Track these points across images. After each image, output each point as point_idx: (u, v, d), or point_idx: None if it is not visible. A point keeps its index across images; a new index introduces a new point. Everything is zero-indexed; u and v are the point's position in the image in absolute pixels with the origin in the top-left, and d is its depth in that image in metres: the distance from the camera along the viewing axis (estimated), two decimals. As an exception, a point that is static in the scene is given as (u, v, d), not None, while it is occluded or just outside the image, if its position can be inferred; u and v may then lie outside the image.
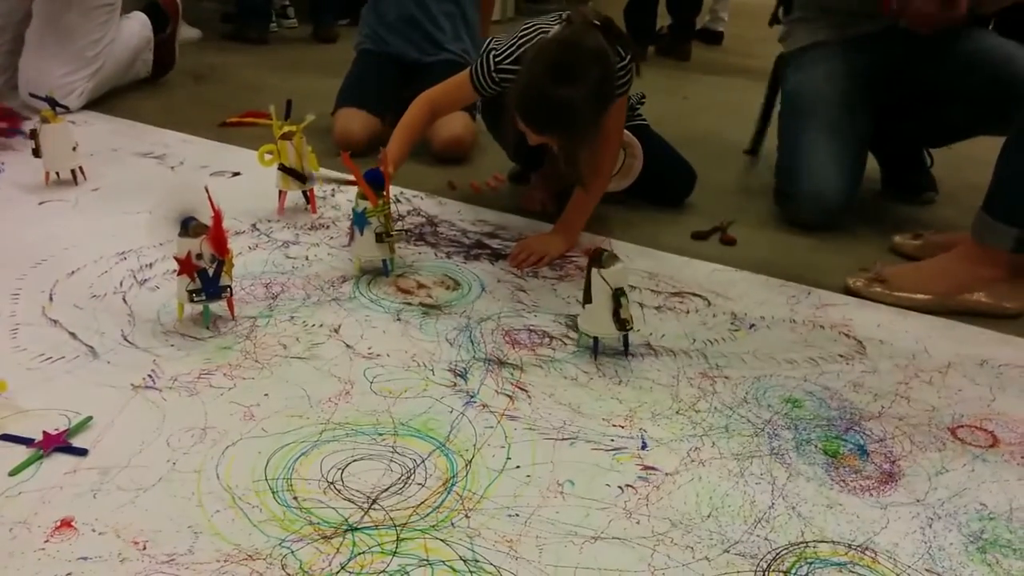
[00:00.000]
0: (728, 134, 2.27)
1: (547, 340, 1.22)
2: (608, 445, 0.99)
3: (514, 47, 1.45)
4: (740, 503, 0.90)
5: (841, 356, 1.21)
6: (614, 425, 1.03)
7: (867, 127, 1.74)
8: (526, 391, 1.09)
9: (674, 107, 2.49)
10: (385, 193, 1.38)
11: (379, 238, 1.37)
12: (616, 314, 1.14)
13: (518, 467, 0.95)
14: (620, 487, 0.92)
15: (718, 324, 1.29)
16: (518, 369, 1.14)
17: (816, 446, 1.00)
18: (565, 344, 1.21)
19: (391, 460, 0.95)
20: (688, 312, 1.32)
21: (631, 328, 1.16)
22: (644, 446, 0.99)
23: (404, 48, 2.14)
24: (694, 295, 1.38)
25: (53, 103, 1.67)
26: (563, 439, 1.00)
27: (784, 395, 1.11)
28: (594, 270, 1.14)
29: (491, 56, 1.46)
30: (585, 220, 1.53)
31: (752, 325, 1.29)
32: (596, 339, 1.18)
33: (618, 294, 1.14)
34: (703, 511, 0.89)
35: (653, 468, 0.95)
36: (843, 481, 0.95)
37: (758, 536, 0.86)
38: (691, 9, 3.41)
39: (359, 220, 1.37)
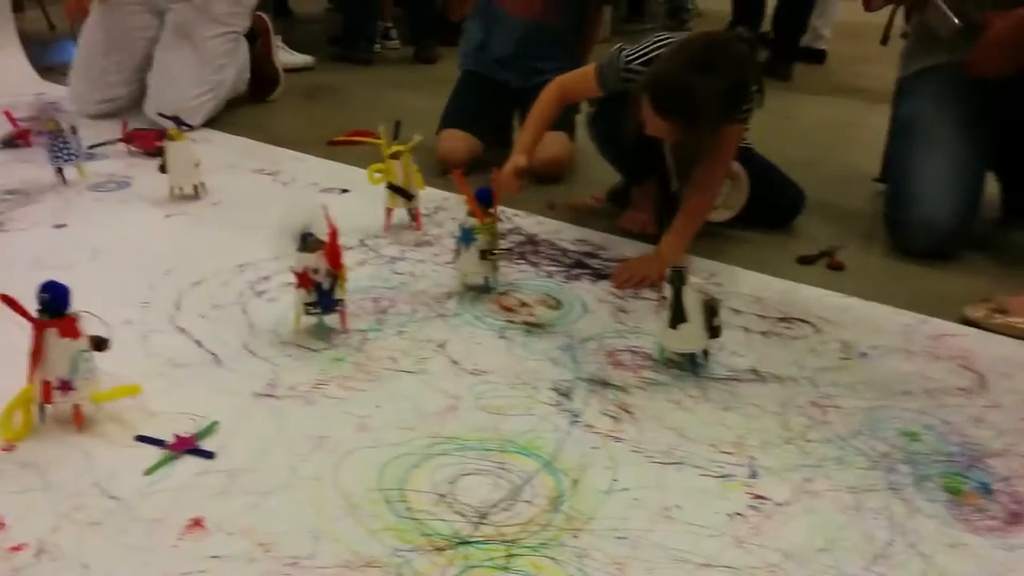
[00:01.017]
0: (834, 156, 2.23)
1: (650, 362, 1.22)
2: (716, 471, 0.98)
3: (646, 51, 1.50)
4: (856, 538, 0.88)
5: (961, 389, 1.17)
6: (722, 451, 1.02)
7: (984, 152, 1.68)
8: (631, 413, 1.10)
9: (777, 128, 2.45)
10: (493, 211, 1.41)
11: (483, 255, 1.40)
12: (710, 323, 1.15)
13: (625, 489, 0.95)
14: (729, 515, 0.91)
15: (828, 352, 1.26)
16: (622, 391, 1.14)
17: (936, 482, 0.97)
18: (668, 367, 1.21)
19: (499, 476, 0.97)
20: (796, 338, 1.30)
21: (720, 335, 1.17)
22: (754, 474, 0.98)
23: (508, 77, 2.16)
24: (802, 321, 1.35)
25: (180, 123, 1.77)
26: (670, 463, 1.00)
27: (901, 428, 1.07)
28: (684, 288, 1.14)
29: (622, 54, 1.53)
30: (688, 242, 1.53)
31: (864, 354, 1.26)
32: (693, 355, 1.18)
33: (712, 302, 1.15)
34: (817, 544, 0.87)
35: (764, 497, 0.94)
36: (966, 520, 0.91)
37: (876, 573, 0.84)
38: (796, 29, 3.34)
39: (465, 237, 1.40)
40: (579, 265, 1.55)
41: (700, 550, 0.86)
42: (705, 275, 1.50)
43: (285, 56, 2.91)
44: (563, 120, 2.08)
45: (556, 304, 1.40)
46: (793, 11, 3.29)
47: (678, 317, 1.15)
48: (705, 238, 1.61)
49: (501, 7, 2.14)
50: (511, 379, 1.17)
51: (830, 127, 2.61)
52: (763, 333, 1.32)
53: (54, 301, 0.95)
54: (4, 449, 0.96)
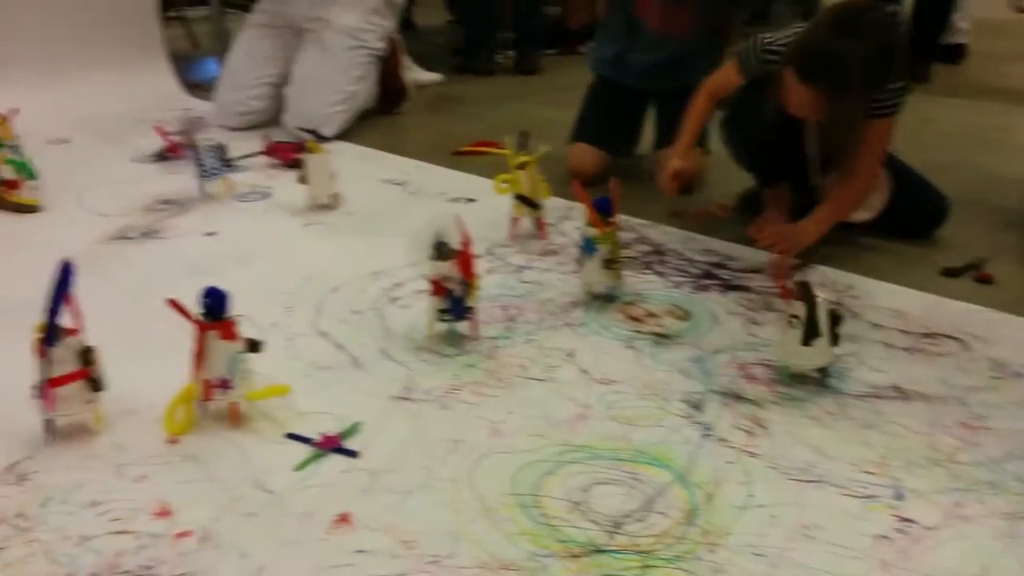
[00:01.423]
0: (979, 161, 2.11)
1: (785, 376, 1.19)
2: (858, 492, 0.95)
3: (785, 36, 1.51)
4: (1015, 567, 0.84)
5: None
6: (864, 471, 0.99)
7: None
8: (765, 428, 1.08)
9: (916, 131, 2.34)
10: (613, 221, 1.41)
11: (606, 264, 1.40)
12: (834, 332, 1.13)
13: (762, 506, 0.93)
14: (874, 537, 0.88)
15: (977, 370, 1.20)
16: (755, 405, 1.12)
17: (1102, 512, 0.91)
18: (806, 381, 1.18)
19: (631, 486, 0.97)
20: (942, 355, 1.24)
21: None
22: (899, 496, 0.94)
23: (646, 85, 2.15)
24: (948, 337, 1.29)
25: (318, 136, 1.86)
26: (808, 481, 0.97)
27: (1060, 453, 1.01)
28: (818, 301, 1.11)
29: (761, 39, 1.56)
30: (828, 228, 1.52)
31: (1017, 373, 1.19)
32: (825, 369, 1.15)
33: (837, 311, 1.14)
34: (971, 571, 0.83)
35: (910, 520, 0.90)
36: None
37: (1037, 605, 0.79)
38: (936, 27, 3.17)
39: (587, 247, 1.41)
40: (707, 275, 1.53)
41: (844, 572, 0.84)
42: (842, 287, 1.46)
43: (415, 73, 3.00)
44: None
45: (684, 315, 1.39)
46: (933, 7, 3.13)
47: (812, 333, 1.12)
48: (842, 247, 1.56)
49: (642, 20, 2.12)
50: (640, 389, 1.17)
51: (972, 131, 2.48)
52: (906, 349, 1.26)
53: (215, 306, 1.02)
54: (169, 442, 1.04)
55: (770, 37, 1.55)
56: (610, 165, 2.05)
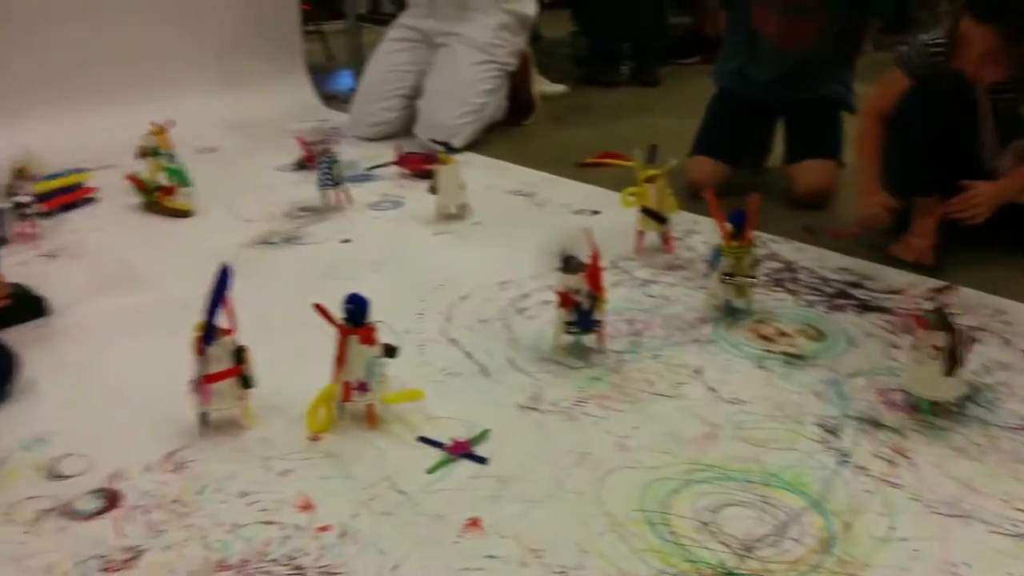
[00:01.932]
0: None
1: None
2: (1009, 530, 0.90)
3: (943, 33, 1.51)
4: None
5: None
6: (1015, 508, 0.93)
7: None
8: (908, 457, 1.03)
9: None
10: (746, 236, 1.38)
11: (721, 279, 1.38)
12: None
13: (904, 539, 0.90)
14: (1027, 579, 0.83)
15: None
16: (896, 433, 1.08)
17: None
18: (949, 411, 1.12)
19: (763, 510, 0.95)
20: (1105, 389, 1.16)
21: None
22: (1056, 537, 0.89)
23: (770, 97, 2.11)
24: (1112, 370, 1.20)
25: (449, 147, 1.91)
26: (954, 516, 0.93)
27: None
28: (959, 330, 1.06)
29: (919, 39, 1.56)
30: (1010, 195, 1.51)
31: None
32: (965, 399, 1.10)
33: (967, 333, 1.10)
34: None
35: (1069, 564, 0.85)
36: None
37: None
38: None
39: (714, 258, 1.39)
40: (843, 295, 1.48)
41: (994, 614, 0.79)
42: (991, 312, 1.38)
43: (541, 84, 3.03)
44: (833, 144, 2.01)
45: (818, 335, 1.35)
46: None
47: (954, 363, 1.06)
48: (987, 267, 1.48)
49: (762, 33, 2.08)
50: (771, 411, 1.14)
51: None
52: (1060, 380, 1.19)
53: (357, 311, 1.07)
54: (311, 439, 1.09)
55: (927, 36, 1.55)
56: (731, 178, 2.01)
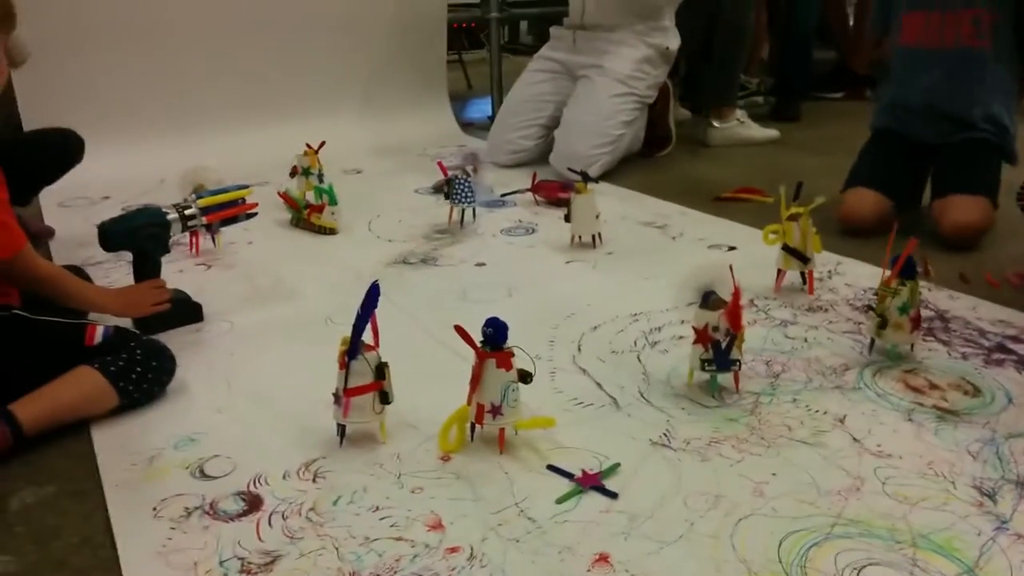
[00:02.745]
0: None
1: (1101, 474, 1.04)
2: None
3: None
4: None
5: None
6: None
7: None
8: (1076, 530, 0.95)
9: None
10: (903, 283, 1.31)
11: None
12: None
13: (1074, 620, 0.82)
14: None
15: None
16: (1069, 498, 0.99)
17: None
18: (1126, 483, 1.02)
19: (911, 573, 0.89)
20: None
21: None
22: None
23: (928, 131, 2.02)
24: None
25: (586, 177, 1.92)
26: None
27: None
28: None
29: None
30: None
31: None
32: None
33: None
34: None
35: None
36: None
37: None
38: None
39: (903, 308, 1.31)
40: (1001, 349, 1.38)
41: None
42: None
43: (750, 130, 3.01)
44: (986, 182, 1.90)
45: (974, 391, 1.26)
46: None
47: None
48: None
49: (909, 44, 2.00)
50: (922, 467, 1.08)
51: None
52: None
53: (496, 335, 1.08)
54: (442, 459, 1.11)
55: None
56: (891, 215, 1.92)
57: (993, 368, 1.33)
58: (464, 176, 2.03)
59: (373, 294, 1.07)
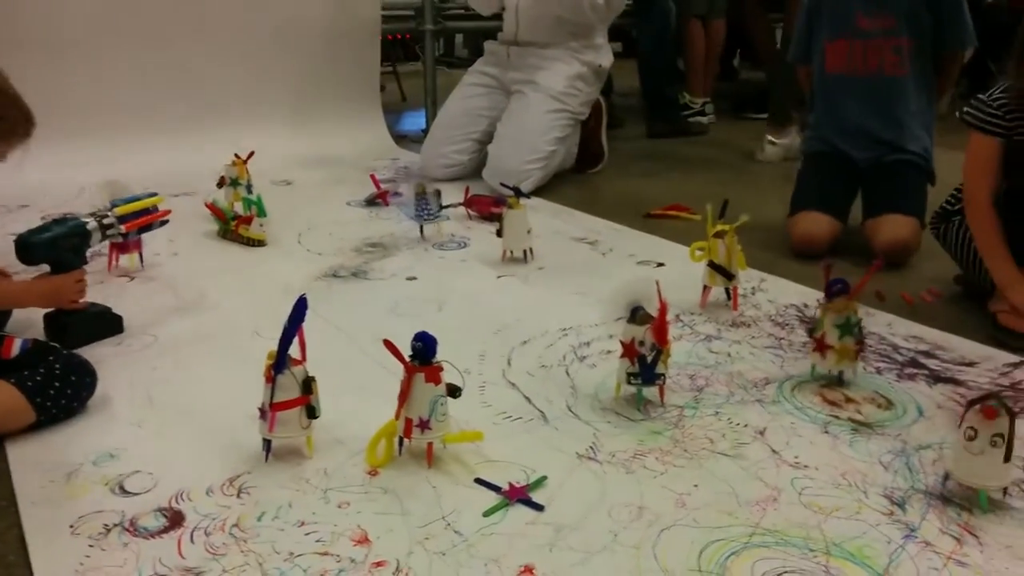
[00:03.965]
0: None
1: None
2: (1088, 622, 0.86)
3: (999, 88, 1.52)
4: None
5: None
6: (1094, 599, 0.89)
7: None
8: (977, 536, 0.99)
9: None
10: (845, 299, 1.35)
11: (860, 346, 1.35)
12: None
13: (973, 622, 0.86)
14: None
15: None
16: (966, 511, 1.04)
17: None
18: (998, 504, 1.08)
19: (824, 580, 0.93)
20: None
21: None
22: None
23: (858, 154, 2.10)
24: None
25: (519, 193, 1.94)
26: (1028, 602, 0.89)
27: None
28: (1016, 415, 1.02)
29: (976, 98, 1.56)
30: None
31: None
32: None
33: None
34: None
35: None
36: None
37: None
38: None
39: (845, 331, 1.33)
40: (914, 364, 1.45)
41: None
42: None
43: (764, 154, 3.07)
44: (915, 202, 1.99)
45: (887, 404, 1.31)
46: None
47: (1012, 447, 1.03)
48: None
49: (834, 72, 2.10)
50: (836, 478, 1.12)
51: None
52: None
53: (425, 350, 1.08)
54: (369, 473, 1.10)
55: (988, 93, 1.55)
56: (841, 235, 2.01)
57: (906, 382, 1.38)
58: (425, 192, 2.04)
59: (300, 307, 1.07)
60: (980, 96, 1.58)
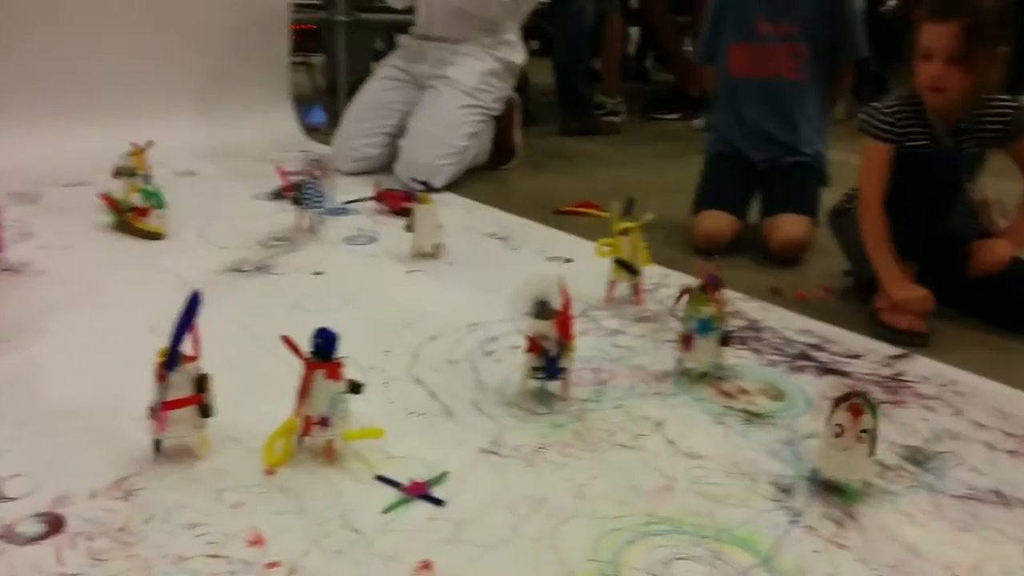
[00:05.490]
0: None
1: (880, 470, 1.15)
2: (953, 598, 0.91)
3: (891, 97, 1.61)
4: None
5: None
6: (956, 575, 0.95)
7: None
8: (856, 520, 1.05)
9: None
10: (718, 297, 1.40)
11: (724, 341, 1.38)
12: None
13: (849, 602, 0.91)
14: (968, 649, 0.84)
15: (1093, 482, 1.14)
16: (847, 496, 1.09)
17: None
18: (901, 476, 1.14)
19: (713, 566, 0.96)
20: (1053, 463, 1.18)
21: None
22: (998, 608, 0.90)
23: (757, 155, 2.18)
24: (1059, 444, 1.23)
25: (428, 187, 1.93)
26: (900, 581, 0.94)
27: None
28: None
29: (870, 106, 1.63)
30: None
31: None
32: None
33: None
34: None
35: (1010, 636, 0.86)
36: None
37: None
38: None
39: (703, 328, 1.36)
40: (804, 357, 1.51)
41: None
42: (944, 381, 1.41)
43: None
44: (809, 202, 2.07)
45: (778, 395, 1.37)
46: None
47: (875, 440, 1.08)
48: (947, 337, 1.51)
49: (735, 74, 2.17)
50: (728, 467, 1.15)
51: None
52: (1010, 452, 1.21)
53: (325, 346, 1.07)
54: (266, 473, 1.08)
55: (878, 103, 1.62)
56: (741, 233, 2.06)
57: (796, 374, 1.44)
58: (312, 180, 1.99)
59: (193, 302, 1.04)
60: (875, 104, 1.65)
